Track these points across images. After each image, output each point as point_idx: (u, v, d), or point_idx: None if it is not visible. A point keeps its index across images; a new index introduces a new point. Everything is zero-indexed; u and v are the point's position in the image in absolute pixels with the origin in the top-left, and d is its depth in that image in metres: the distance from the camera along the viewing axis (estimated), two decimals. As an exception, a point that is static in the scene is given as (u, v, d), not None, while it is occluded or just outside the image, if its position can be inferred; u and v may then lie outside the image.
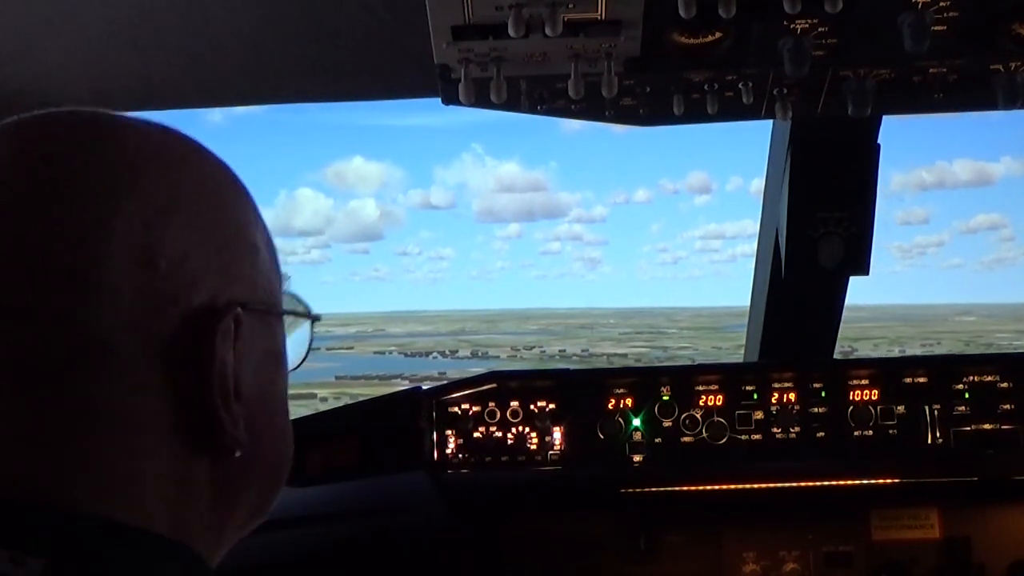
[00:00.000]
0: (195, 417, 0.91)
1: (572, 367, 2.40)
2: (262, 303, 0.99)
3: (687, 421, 2.22)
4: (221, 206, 0.97)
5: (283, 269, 1.08)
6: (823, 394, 2.22)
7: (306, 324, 1.13)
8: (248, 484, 1.00)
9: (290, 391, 1.09)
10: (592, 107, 1.66)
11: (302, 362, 1.13)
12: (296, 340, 1.12)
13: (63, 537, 0.83)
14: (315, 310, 1.15)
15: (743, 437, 2.20)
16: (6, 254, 0.86)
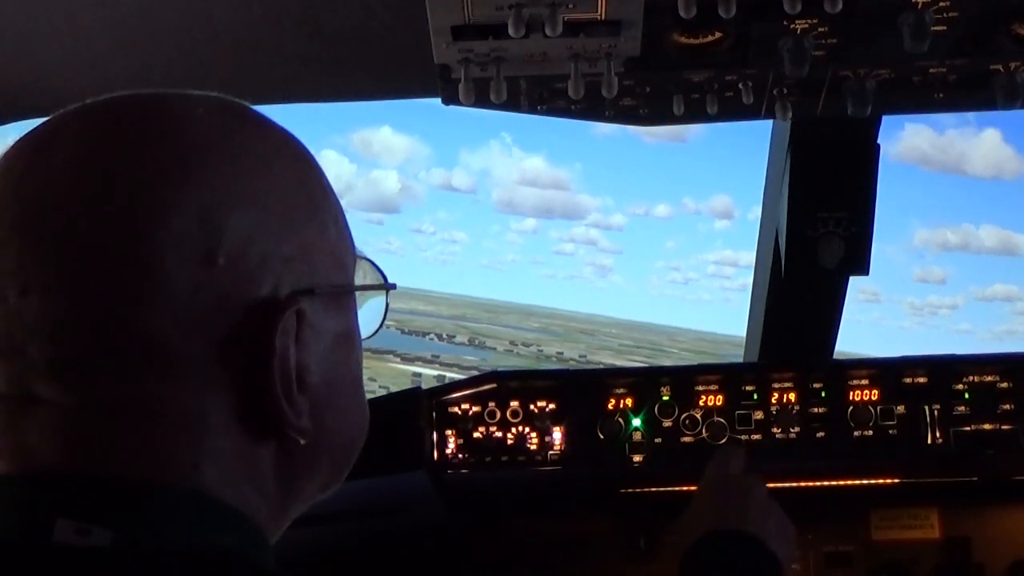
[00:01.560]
0: (258, 410, 0.90)
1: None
2: (331, 284, 0.97)
3: (687, 421, 2.22)
4: (284, 189, 0.94)
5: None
6: (823, 394, 2.22)
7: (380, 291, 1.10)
8: (316, 466, 0.99)
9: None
10: (592, 107, 1.66)
11: (376, 332, 1.10)
12: (370, 308, 1.09)
13: (128, 507, 0.83)
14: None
15: (743, 437, 2.20)
16: (64, 254, 0.85)
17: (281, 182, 0.94)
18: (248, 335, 0.88)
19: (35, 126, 0.94)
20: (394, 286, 1.12)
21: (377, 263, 1.10)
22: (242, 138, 0.94)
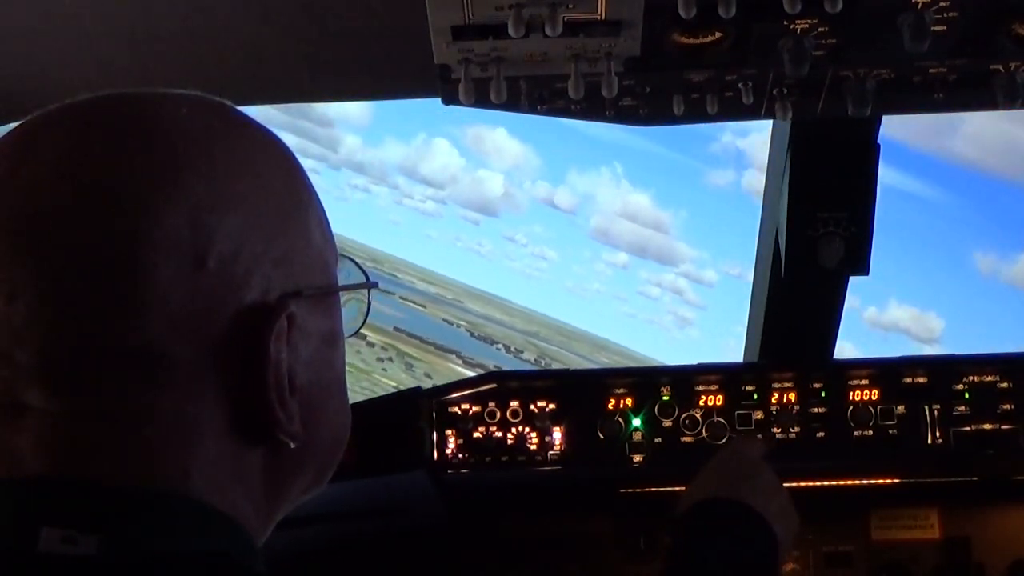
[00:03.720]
0: (250, 415, 0.90)
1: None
2: (316, 286, 0.97)
3: (687, 421, 2.22)
4: (270, 190, 0.93)
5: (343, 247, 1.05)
6: (823, 394, 2.22)
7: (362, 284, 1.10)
8: (303, 469, 0.99)
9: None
10: (592, 107, 1.66)
11: (358, 330, 1.11)
12: (352, 305, 1.09)
13: (115, 514, 0.82)
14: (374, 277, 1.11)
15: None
16: (51, 259, 0.84)
17: (267, 183, 0.94)
18: (240, 340, 0.88)
19: (14, 127, 0.92)
20: (376, 284, 1.12)
21: (357, 261, 1.11)
22: (228, 139, 0.93)
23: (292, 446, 0.93)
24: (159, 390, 0.85)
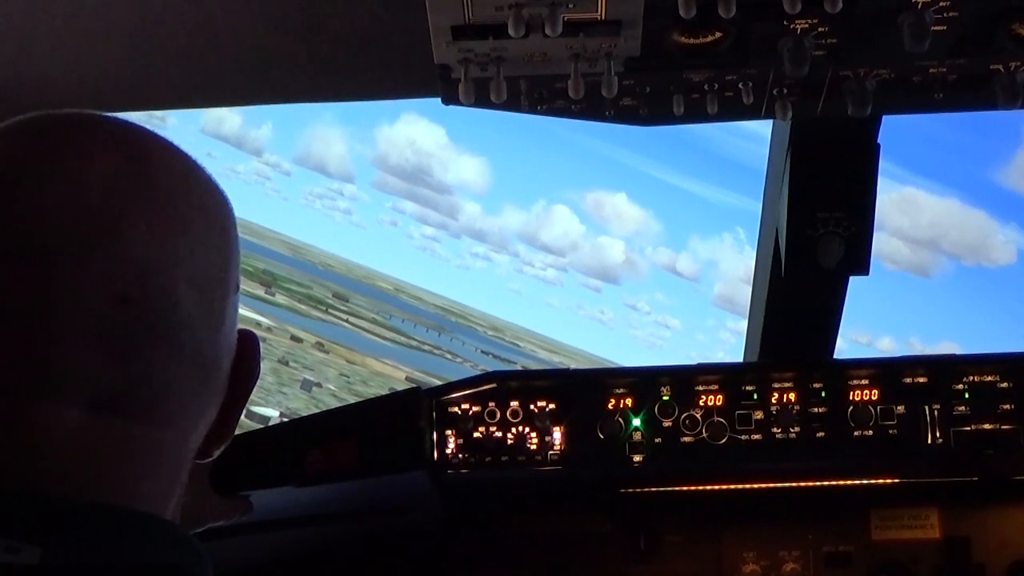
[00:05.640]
0: (224, 424, 0.98)
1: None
2: None
3: (687, 421, 2.22)
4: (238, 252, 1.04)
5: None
6: (823, 394, 2.22)
7: None
8: None
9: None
10: (592, 107, 1.66)
11: None
12: None
13: (57, 524, 0.82)
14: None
15: (743, 437, 2.20)
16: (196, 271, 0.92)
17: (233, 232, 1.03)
18: (241, 356, 0.99)
19: (43, 144, 0.94)
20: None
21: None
22: (225, 203, 1.03)
23: (215, 455, 0.99)
24: (205, 400, 0.95)
